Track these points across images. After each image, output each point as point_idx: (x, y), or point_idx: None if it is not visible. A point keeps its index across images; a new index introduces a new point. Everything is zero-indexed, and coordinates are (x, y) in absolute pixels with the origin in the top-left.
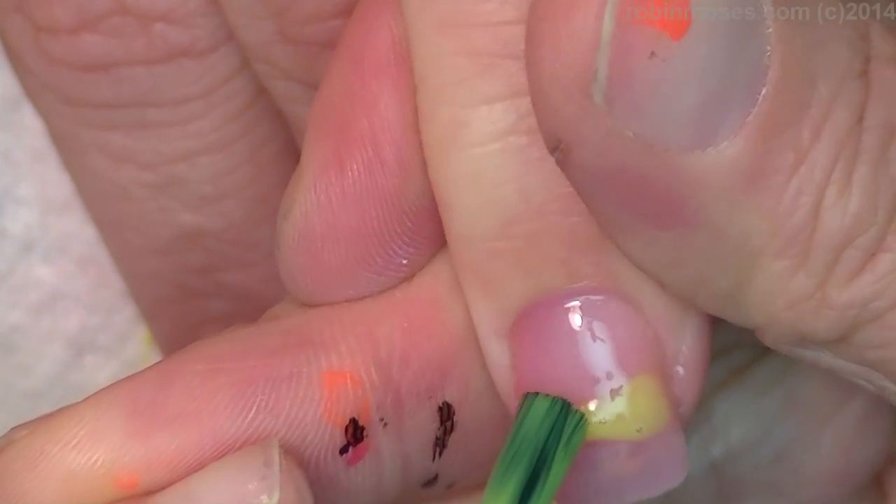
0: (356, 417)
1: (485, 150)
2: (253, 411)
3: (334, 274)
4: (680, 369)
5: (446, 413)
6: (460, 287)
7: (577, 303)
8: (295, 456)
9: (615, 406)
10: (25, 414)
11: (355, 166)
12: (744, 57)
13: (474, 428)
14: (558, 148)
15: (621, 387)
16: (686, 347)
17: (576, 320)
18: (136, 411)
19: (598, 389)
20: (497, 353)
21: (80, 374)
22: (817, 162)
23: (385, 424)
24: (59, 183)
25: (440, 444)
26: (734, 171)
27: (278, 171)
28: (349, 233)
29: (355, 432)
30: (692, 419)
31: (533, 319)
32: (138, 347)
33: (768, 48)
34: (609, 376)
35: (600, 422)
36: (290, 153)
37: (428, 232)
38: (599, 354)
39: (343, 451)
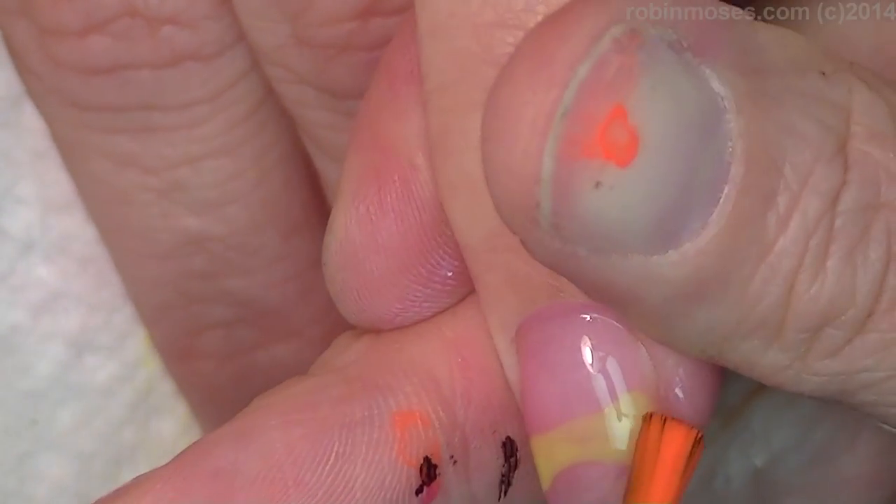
0: (429, 456)
1: (469, 158)
2: (332, 458)
3: (379, 286)
4: (679, 392)
5: (510, 449)
6: None
7: (564, 320)
8: (375, 500)
9: (604, 427)
10: (25, 414)
11: (391, 175)
12: (704, 161)
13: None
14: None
15: (609, 407)
16: (684, 370)
17: (563, 341)
18: (219, 472)
19: (583, 410)
20: (508, 364)
21: (80, 374)
22: (785, 252)
23: (454, 462)
24: (59, 182)
25: (505, 481)
26: (697, 271)
27: (282, 175)
28: (389, 243)
29: (429, 471)
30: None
31: (525, 338)
32: (138, 347)
33: (730, 143)
34: (600, 399)
35: (595, 443)
36: (295, 158)
37: None
38: (590, 375)
39: (418, 491)
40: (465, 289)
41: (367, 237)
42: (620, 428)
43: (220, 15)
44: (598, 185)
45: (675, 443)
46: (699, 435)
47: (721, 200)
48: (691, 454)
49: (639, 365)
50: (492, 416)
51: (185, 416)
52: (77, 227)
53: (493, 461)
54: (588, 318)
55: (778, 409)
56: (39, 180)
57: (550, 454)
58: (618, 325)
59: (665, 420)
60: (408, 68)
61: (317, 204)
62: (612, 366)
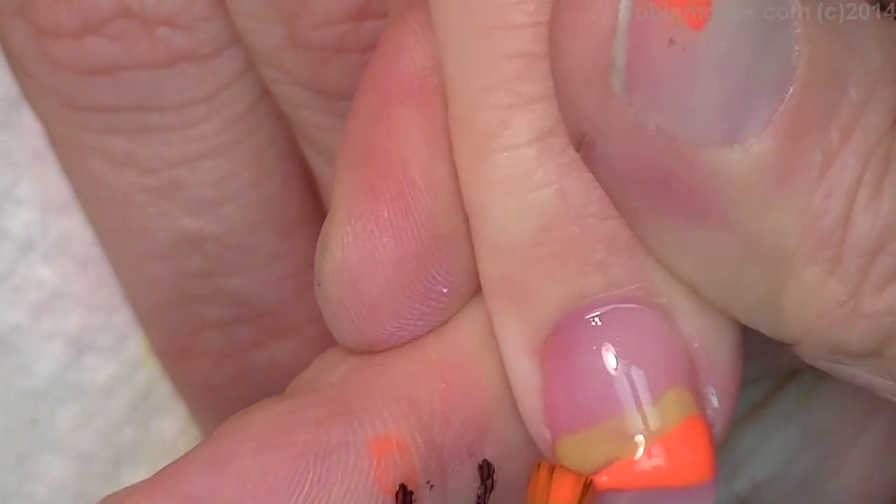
0: (405, 483)
1: (524, 153)
2: (307, 487)
3: (376, 304)
4: (712, 390)
5: (486, 471)
6: (492, 341)
7: (608, 314)
8: None
9: (643, 423)
10: (26, 414)
11: (387, 192)
12: (770, 53)
13: (514, 486)
14: (582, 142)
15: (651, 406)
16: (720, 368)
17: (605, 335)
18: (192, 498)
19: (620, 406)
20: (527, 373)
21: (80, 374)
22: (847, 164)
23: (431, 487)
24: (59, 183)
25: (482, 503)
26: (762, 169)
27: (279, 175)
28: (387, 260)
29: (405, 498)
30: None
31: (564, 336)
32: (138, 347)
33: (797, 48)
34: (640, 395)
35: (633, 439)
36: (291, 158)
37: (464, 259)
38: (628, 371)
39: None
40: (456, 306)
41: (365, 254)
42: (659, 423)
43: (216, 16)
44: (671, 42)
45: (565, 489)
46: (588, 480)
47: (787, 99)
48: (581, 500)
49: (677, 359)
50: (470, 439)
51: (185, 415)
52: (77, 227)
53: (469, 483)
54: (630, 311)
55: (763, 437)
56: (39, 180)
57: (585, 454)
58: (659, 316)
59: (554, 467)
60: (400, 87)
61: (313, 203)
62: (650, 360)
